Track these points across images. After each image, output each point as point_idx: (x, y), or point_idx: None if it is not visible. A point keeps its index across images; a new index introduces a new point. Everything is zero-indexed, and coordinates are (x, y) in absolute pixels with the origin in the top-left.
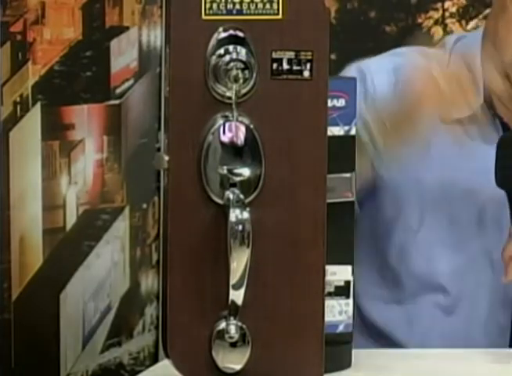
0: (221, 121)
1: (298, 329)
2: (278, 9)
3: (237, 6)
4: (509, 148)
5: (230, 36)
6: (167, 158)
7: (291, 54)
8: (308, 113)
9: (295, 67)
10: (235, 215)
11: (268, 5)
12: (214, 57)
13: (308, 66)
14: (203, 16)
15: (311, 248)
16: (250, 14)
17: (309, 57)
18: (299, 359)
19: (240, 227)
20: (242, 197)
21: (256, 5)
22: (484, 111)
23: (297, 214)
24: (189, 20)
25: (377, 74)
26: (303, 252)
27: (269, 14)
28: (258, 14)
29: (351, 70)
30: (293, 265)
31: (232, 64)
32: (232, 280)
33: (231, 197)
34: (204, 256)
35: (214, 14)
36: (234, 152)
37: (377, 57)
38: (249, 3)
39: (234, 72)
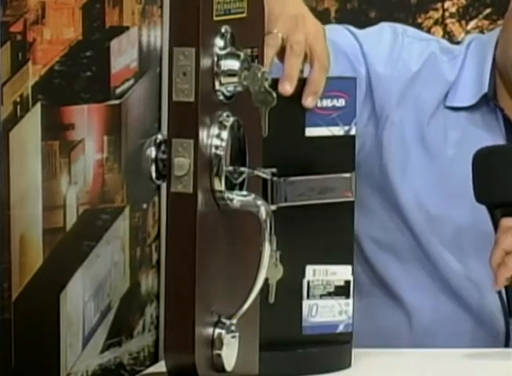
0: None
1: None
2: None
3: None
4: (486, 162)
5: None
6: (153, 156)
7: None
8: None
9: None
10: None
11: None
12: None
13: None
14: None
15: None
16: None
17: (256, 53)
18: None
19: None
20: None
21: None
22: (486, 102)
23: None
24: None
25: None
26: None
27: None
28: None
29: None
30: None
31: None
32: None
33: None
34: (206, 258)
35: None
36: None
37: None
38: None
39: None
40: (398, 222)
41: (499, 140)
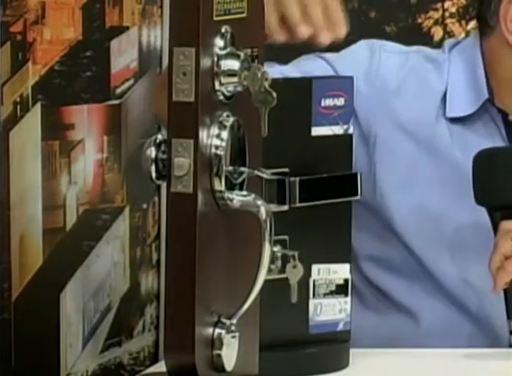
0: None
1: None
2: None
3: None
4: (485, 164)
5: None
6: (153, 156)
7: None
8: None
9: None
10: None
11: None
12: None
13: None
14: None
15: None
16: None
17: (256, 53)
18: None
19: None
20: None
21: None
22: (489, 107)
23: None
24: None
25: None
26: None
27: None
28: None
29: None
30: None
31: None
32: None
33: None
34: (206, 258)
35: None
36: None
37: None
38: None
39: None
40: (393, 239)
41: (500, 143)
